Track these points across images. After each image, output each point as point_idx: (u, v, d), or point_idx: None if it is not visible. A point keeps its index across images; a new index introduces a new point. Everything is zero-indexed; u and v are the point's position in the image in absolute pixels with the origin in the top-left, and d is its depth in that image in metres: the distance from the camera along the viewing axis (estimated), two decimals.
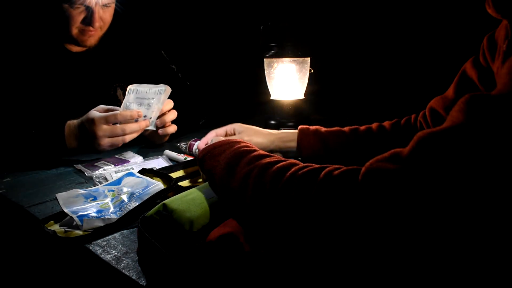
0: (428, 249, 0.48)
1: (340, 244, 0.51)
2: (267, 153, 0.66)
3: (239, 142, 0.71)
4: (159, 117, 1.19)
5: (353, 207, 0.48)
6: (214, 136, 1.01)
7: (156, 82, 1.19)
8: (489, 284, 0.48)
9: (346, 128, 0.99)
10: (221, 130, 1.03)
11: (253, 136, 1.01)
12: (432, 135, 0.46)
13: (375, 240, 0.49)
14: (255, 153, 0.66)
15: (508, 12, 0.60)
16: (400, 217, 0.46)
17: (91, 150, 1.13)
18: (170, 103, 1.21)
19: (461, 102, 0.47)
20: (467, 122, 0.45)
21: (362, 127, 0.99)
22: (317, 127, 1.01)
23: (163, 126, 1.22)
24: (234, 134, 1.03)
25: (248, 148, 0.68)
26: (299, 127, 1.02)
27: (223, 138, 0.79)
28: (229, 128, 1.03)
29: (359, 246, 0.50)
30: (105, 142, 1.10)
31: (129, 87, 1.16)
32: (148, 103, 1.15)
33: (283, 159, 0.63)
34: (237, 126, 1.03)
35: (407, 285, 0.50)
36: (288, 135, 1.02)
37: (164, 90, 1.16)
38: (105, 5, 1.23)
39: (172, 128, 1.24)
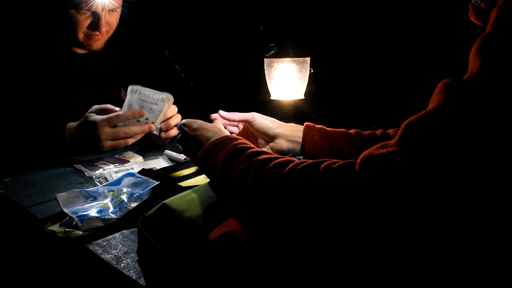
0: (427, 233, 0.49)
1: (342, 237, 0.52)
2: (263, 150, 0.67)
3: (237, 139, 0.71)
4: (164, 120, 1.19)
5: (354, 197, 0.50)
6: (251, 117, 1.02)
7: (160, 82, 1.18)
8: (490, 267, 0.49)
9: (351, 130, 0.99)
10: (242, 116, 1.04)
11: (264, 118, 1.03)
12: (418, 118, 0.50)
13: (377, 231, 0.50)
14: (252, 149, 0.67)
15: (487, 20, 0.62)
16: (399, 199, 0.48)
17: (92, 151, 1.13)
18: (175, 109, 1.21)
19: (440, 85, 0.51)
20: (447, 101, 0.49)
21: (366, 132, 0.99)
22: (322, 126, 1.01)
23: (167, 130, 1.21)
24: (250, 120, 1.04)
25: (246, 145, 0.69)
26: (305, 123, 1.02)
27: (223, 131, 0.80)
28: (247, 114, 1.04)
29: (362, 238, 0.51)
30: (108, 144, 1.10)
31: (131, 87, 1.14)
32: (150, 108, 1.15)
33: (280, 156, 0.64)
34: (251, 114, 1.04)
35: (413, 274, 0.51)
36: (295, 126, 1.03)
37: (167, 99, 1.14)
38: (111, 10, 1.23)
39: (175, 131, 1.24)
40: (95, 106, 1.13)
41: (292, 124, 1.05)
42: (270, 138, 1.02)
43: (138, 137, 1.13)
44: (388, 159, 0.49)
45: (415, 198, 0.47)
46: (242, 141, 0.71)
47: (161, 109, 1.14)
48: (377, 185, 0.48)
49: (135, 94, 1.14)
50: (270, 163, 0.60)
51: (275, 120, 1.04)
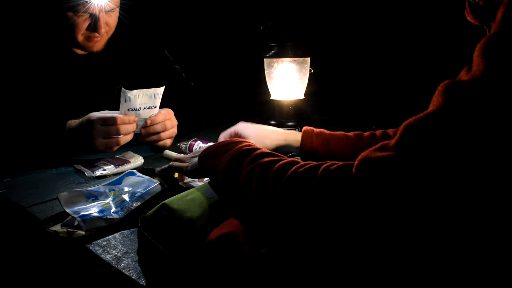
0: (425, 234, 0.49)
1: (341, 238, 0.52)
2: (268, 151, 0.67)
3: (241, 142, 0.72)
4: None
5: (351, 199, 0.50)
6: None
7: (160, 82, 1.18)
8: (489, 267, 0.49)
9: (350, 133, 0.99)
10: (227, 134, 1.02)
11: (256, 135, 0.99)
12: (416, 120, 0.49)
13: (375, 232, 0.49)
14: (257, 151, 0.67)
15: (484, 18, 0.62)
16: (395, 203, 0.47)
17: (89, 150, 1.13)
18: (172, 122, 1.21)
19: (440, 87, 0.50)
20: (447, 104, 0.48)
21: (366, 133, 0.99)
22: (321, 130, 1.01)
23: (156, 134, 1.20)
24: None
25: (250, 147, 0.69)
26: (304, 128, 1.01)
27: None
28: (232, 131, 1.02)
29: (360, 240, 0.51)
30: (100, 142, 1.10)
31: (129, 94, 1.12)
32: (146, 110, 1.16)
33: (284, 157, 0.64)
34: (242, 129, 1.01)
35: (410, 275, 0.51)
36: (292, 134, 1.01)
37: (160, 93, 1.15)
38: (109, 11, 1.23)
39: (169, 141, 1.24)
40: (106, 111, 1.13)
41: (288, 132, 1.02)
42: None
43: (129, 137, 1.13)
44: (386, 162, 0.48)
45: (413, 202, 0.47)
46: (247, 143, 0.71)
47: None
48: (373, 188, 0.48)
49: (130, 101, 1.12)
50: (274, 165, 0.60)
51: (271, 138, 1.00)
